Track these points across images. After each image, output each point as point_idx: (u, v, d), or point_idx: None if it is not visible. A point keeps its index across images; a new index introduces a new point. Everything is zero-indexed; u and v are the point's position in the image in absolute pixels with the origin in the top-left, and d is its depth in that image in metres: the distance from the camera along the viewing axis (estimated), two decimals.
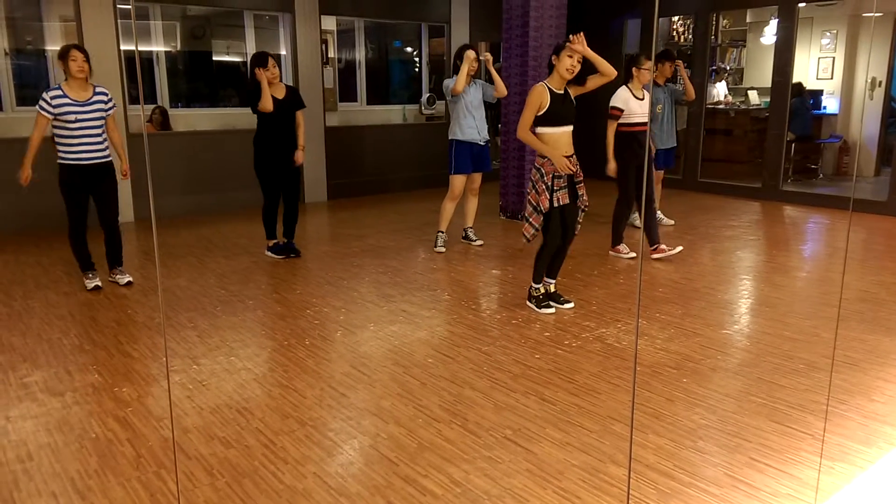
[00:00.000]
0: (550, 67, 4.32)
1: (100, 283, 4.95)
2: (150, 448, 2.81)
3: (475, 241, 6.33)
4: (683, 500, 2.45)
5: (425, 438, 2.88)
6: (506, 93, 6.01)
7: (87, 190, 4.80)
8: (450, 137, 5.99)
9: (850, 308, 4.51)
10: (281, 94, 5.53)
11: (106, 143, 4.80)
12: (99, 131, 4.73)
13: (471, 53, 5.74)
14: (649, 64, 5.65)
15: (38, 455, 2.76)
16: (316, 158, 8.53)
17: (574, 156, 4.34)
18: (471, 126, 5.92)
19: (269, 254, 5.84)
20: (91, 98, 4.68)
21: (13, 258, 5.81)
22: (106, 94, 4.78)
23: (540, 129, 4.29)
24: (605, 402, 3.21)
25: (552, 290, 4.61)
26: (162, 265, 5.56)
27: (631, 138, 5.61)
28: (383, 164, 9.18)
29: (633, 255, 5.75)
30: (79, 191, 4.75)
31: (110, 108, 4.79)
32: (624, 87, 5.67)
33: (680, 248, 5.77)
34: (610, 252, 5.89)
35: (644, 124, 5.62)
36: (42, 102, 4.57)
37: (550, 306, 4.48)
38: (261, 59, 5.45)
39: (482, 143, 5.99)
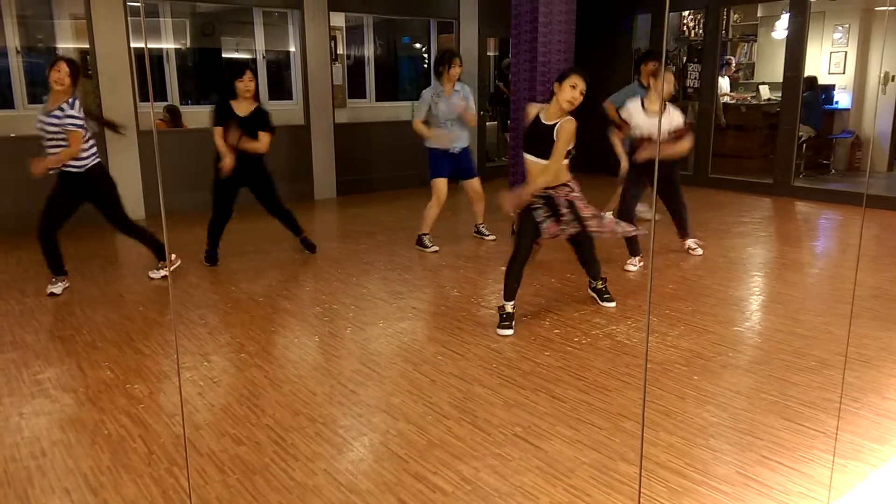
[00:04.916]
0: (551, 94, 4.05)
1: (56, 291, 4.82)
2: (162, 444, 2.83)
3: (488, 235, 6.33)
4: (695, 497, 2.44)
5: (435, 435, 2.88)
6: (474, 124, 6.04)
7: (74, 197, 4.75)
8: (426, 144, 5.87)
9: (862, 305, 4.47)
10: (245, 112, 5.29)
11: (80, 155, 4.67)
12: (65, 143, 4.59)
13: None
14: (652, 66, 5.07)
15: (52, 451, 2.78)
16: (325, 155, 8.54)
17: (561, 186, 4.04)
18: (442, 136, 5.80)
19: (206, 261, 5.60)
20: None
21: (26, 255, 5.85)
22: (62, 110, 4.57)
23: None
24: (616, 400, 3.20)
25: (599, 286, 4.52)
26: (171, 262, 5.58)
27: (636, 149, 5.15)
28: (393, 160, 9.18)
29: (636, 268, 5.34)
30: (61, 195, 4.72)
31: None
32: (637, 98, 5.20)
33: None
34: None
35: (649, 140, 5.03)
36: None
37: (510, 327, 4.07)
38: (238, 70, 5.25)
39: (457, 152, 5.86)
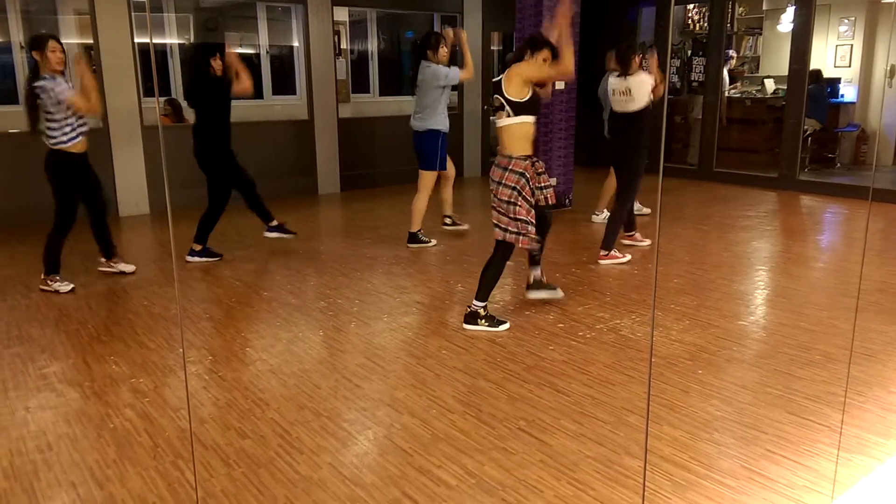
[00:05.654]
0: (520, 56, 3.94)
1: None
2: (168, 438, 2.84)
3: (461, 225, 6.36)
4: (699, 491, 2.44)
5: (439, 429, 2.89)
6: (471, 75, 5.75)
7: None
8: (436, 128, 5.69)
9: (868, 299, 4.46)
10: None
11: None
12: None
13: (449, 32, 5.80)
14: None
15: (58, 445, 2.80)
16: (329, 150, 8.54)
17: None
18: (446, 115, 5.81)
19: (197, 259, 5.51)
20: None
21: (30, 249, 5.86)
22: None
23: (523, 118, 3.88)
24: (620, 394, 3.20)
25: (540, 277, 4.35)
26: (178, 257, 5.59)
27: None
28: (396, 155, 9.16)
29: (629, 257, 5.37)
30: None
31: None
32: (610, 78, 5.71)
33: (628, 257, 5.38)
34: (600, 261, 5.29)
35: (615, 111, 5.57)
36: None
37: (505, 321, 4.05)
38: (213, 48, 5.24)
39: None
